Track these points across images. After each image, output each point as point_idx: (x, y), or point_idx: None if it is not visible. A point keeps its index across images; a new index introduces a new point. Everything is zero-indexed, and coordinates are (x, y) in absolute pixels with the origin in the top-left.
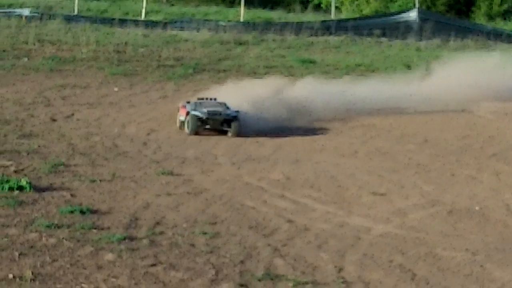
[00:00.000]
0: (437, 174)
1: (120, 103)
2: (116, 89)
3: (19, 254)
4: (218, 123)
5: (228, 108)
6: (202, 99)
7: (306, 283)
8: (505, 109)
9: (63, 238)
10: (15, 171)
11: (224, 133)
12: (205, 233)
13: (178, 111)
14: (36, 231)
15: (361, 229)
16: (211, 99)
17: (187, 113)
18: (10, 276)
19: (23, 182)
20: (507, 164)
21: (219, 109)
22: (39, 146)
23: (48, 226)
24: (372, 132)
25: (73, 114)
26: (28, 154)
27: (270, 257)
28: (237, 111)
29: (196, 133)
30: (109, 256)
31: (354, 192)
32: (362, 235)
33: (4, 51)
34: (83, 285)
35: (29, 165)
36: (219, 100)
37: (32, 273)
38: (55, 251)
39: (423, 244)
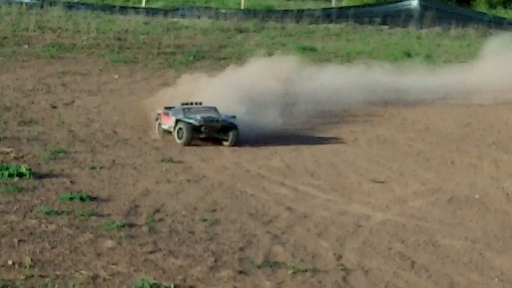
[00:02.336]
0: (437, 162)
1: (120, 90)
2: (116, 76)
3: (19, 241)
4: (215, 131)
5: (218, 112)
6: (187, 104)
7: (306, 270)
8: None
9: (62, 225)
10: (15, 158)
11: (219, 141)
12: (204, 220)
13: (158, 119)
14: (36, 217)
15: (361, 217)
16: (196, 103)
17: (177, 121)
18: (10, 262)
19: (23, 169)
20: (507, 153)
21: (214, 115)
22: (39, 133)
23: (48, 213)
24: (373, 121)
25: (73, 101)
26: (28, 141)
27: (269, 245)
28: (234, 117)
29: (189, 143)
30: (109, 243)
31: (354, 180)
32: (362, 223)
33: (4, 38)
34: (82, 271)
35: (29, 152)
36: (207, 103)
37: (32, 260)
38: (54, 237)
39: (422, 232)
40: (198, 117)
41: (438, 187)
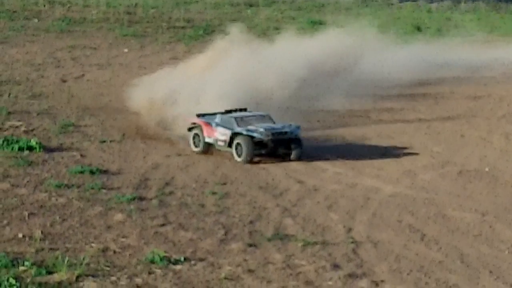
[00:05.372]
0: (447, 136)
1: (130, 64)
2: (126, 50)
3: (29, 214)
4: (283, 145)
5: (273, 121)
6: (231, 111)
7: (316, 243)
8: None
9: (72, 198)
10: (25, 132)
11: (279, 156)
12: (214, 194)
13: (193, 129)
14: (46, 191)
15: (370, 190)
16: (240, 110)
17: (233, 135)
18: (20, 235)
19: (33, 143)
20: None
21: (277, 126)
22: (49, 107)
23: (58, 186)
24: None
25: (83, 75)
26: (38, 114)
27: (279, 218)
28: (299, 127)
29: (251, 161)
30: (119, 216)
31: (364, 153)
32: (371, 196)
33: (14, 12)
34: (92, 244)
35: (39, 126)
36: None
37: (42, 233)
38: (64, 211)
39: (432, 204)
40: (261, 129)
41: (447, 160)
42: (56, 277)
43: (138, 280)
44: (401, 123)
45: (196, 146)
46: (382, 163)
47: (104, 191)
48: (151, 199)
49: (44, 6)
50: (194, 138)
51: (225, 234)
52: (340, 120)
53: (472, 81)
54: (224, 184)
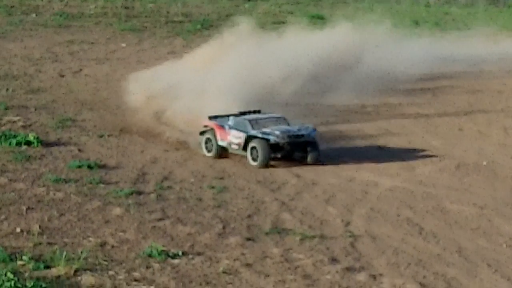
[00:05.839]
0: (445, 129)
1: (128, 59)
2: (124, 45)
3: (27, 209)
4: (299, 148)
5: (289, 123)
6: (244, 113)
7: (314, 237)
8: None
9: (70, 192)
10: (23, 126)
11: (295, 160)
12: (212, 188)
13: (205, 132)
14: (44, 185)
15: (369, 184)
16: (254, 111)
17: (248, 138)
18: (18, 230)
19: (31, 137)
20: None
21: (293, 128)
22: (47, 102)
23: (56, 181)
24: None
25: (81, 70)
26: (36, 109)
27: (277, 212)
28: (315, 129)
29: (266, 165)
30: (117, 211)
31: (362, 146)
32: (370, 189)
33: (12, 7)
34: (90, 239)
35: (37, 120)
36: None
37: (40, 227)
38: (62, 205)
39: (430, 198)
40: (277, 131)
41: (446, 154)
42: (54, 271)
43: (136, 274)
44: (399, 117)
45: (208, 151)
46: (380, 157)
47: (102, 185)
48: (149, 193)
49: (42, 0)
50: (206, 142)
51: (223, 228)
52: (337, 114)
53: (471, 75)
54: (222, 178)
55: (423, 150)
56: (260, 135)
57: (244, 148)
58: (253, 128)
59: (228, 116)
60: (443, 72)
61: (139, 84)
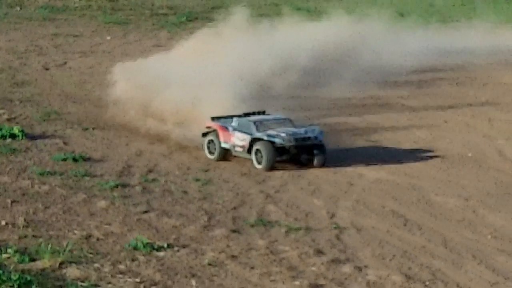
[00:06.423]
0: (430, 121)
1: (113, 52)
2: (109, 37)
3: (12, 201)
4: (305, 151)
5: (294, 124)
6: (249, 114)
7: (299, 229)
8: None
9: (55, 185)
10: (8, 119)
11: (301, 163)
12: (198, 180)
13: (208, 134)
14: (29, 178)
15: (354, 175)
16: (259, 112)
17: (253, 140)
18: (3, 223)
19: (16, 130)
20: (500, 111)
21: (299, 130)
22: (31, 95)
23: (41, 174)
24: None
25: (65, 63)
26: (20, 102)
27: (263, 204)
28: (322, 131)
29: (272, 168)
30: (102, 203)
31: (348, 139)
32: (355, 181)
33: None
34: (75, 231)
35: (22, 113)
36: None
37: (25, 220)
38: (47, 198)
39: (415, 190)
40: (283, 133)
41: (431, 145)
42: (39, 264)
43: (122, 267)
44: (384, 108)
45: (211, 153)
46: (364, 148)
47: (87, 178)
48: (134, 186)
49: None
50: (208, 144)
51: (208, 220)
52: (322, 106)
53: (456, 68)
54: (207, 170)
55: (408, 142)
56: (265, 138)
57: (249, 151)
58: (258, 130)
59: (231, 117)
60: (428, 64)
61: (128, 75)
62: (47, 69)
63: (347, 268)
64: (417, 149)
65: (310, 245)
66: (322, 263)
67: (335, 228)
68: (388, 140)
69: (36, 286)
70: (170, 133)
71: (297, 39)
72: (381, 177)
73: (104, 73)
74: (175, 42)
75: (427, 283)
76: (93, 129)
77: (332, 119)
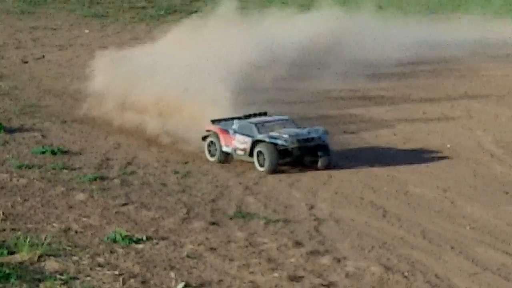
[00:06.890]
0: (409, 113)
1: (91, 45)
2: (87, 31)
3: None
4: (308, 152)
5: (297, 125)
6: (249, 116)
7: (278, 220)
8: None
9: (34, 178)
10: None
11: (304, 165)
12: (176, 172)
13: (208, 137)
14: (7, 171)
15: (333, 167)
16: (260, 114)
17: (255, 142)
18: None
19: None
20: (479, 102)
21: (302, 131)
22: (10, 88)
23: (19, 167)
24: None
25: (44, 56)
26: None
27: (241, 196)
28: (326, 132)
29: (274, 170)
30: (81, 196)
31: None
32: (333, 173)
33: None
34: (54, 224)
35: (0, 107)
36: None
37: (3, 213)
38: (26, 191)
39: (394, 181)
40: (285, 135)
41: (410, 137)
42: (17, 257)
43: (100, 260)
44: (363, 100)
45: (212, 155)
46: (343, 140)
47: (65, 171)
48: (112, 178)
49: None
50: (209, 146)
51: (187, 212)
52: (301, 99)
53: (434, 59)
54: (186, 163)
55: (387, 134)
56: (267, 140)
57: (251, 153)
58: (259, 132)
59: (232, 119)
60: (407, 57)
61: (107, 68)
62: (25, 62)
63: (326, 260)
64: (395, 141)
65: (289, 237)
66: (301, 255)
67: (314, 219)
68: (367, 132)
69: (14, 279)
70: (148, 125)
71: (264, 30)
72: (360, 169)
73: (82, 66)
74: (154, 35)
75: (406, 274)
76: (72, 122)
77: (310, 110)
